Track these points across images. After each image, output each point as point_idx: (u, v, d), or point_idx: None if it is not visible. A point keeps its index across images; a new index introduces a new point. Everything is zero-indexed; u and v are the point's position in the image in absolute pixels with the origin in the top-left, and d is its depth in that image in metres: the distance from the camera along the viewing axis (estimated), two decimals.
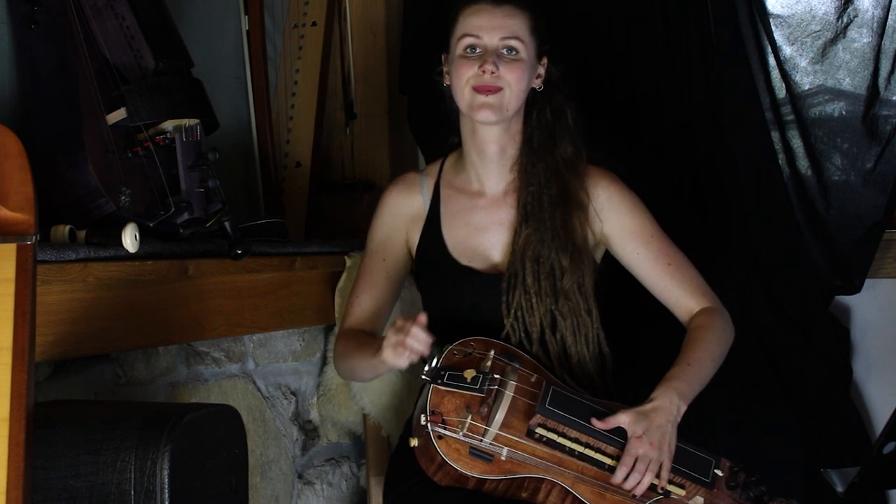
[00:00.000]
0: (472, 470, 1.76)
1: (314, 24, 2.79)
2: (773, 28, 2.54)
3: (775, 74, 2.55)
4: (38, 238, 1.29)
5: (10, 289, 1.27)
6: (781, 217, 2.51)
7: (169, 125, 2.04)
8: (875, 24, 2.47)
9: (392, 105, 2.87)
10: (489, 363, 1.84)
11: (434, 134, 2.72)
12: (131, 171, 1.96)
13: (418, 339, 1.74)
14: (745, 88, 2.52)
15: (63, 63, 1.95)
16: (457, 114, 2.04)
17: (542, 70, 2.03)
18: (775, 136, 2.54)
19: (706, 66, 2.53)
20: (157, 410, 1.60)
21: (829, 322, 2.52)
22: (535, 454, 1.78)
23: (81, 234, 1.82)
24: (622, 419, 1.79)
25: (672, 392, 1.83)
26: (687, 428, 1.85)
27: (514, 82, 1.94)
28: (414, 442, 1.80)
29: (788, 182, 2.53)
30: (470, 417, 1.77)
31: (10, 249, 1.27)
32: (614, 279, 2.07)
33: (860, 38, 2.50)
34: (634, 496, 1.80)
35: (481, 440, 1.77)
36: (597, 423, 1.80)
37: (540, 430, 1.78)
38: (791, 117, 2.55)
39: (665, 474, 1.79)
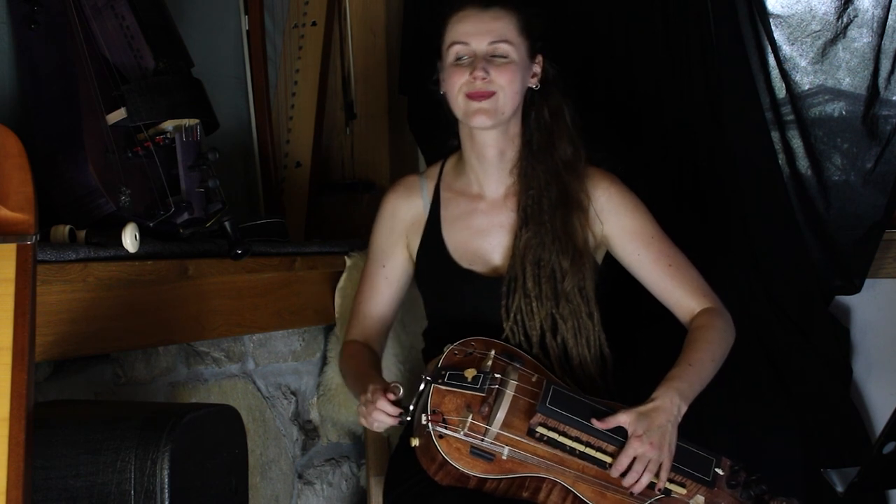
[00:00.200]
0: (473, 469, 1.76)
1: (314, 24, 2.79)
2: (773, 28, 2.54)
3: (775, 74, 2.55)
4: (38, 238, 1.29)
5: (10, 289, 1.27)
6: (781, 217, 2.51)
7: (169, 125, 2.04)
8: (875, 24, 2.47)
9: (392, 105, 2.87)
10: (490, 363, 1.84)
11: (434, 134, 2.73)
12: (131, 171, 1.96)
13: (385, 412, 1.80)
14: (745, 88, 2.52)
15: (63, 63, 1.95)
16: (455, 118, 2.03)
17: (537, 69, 2.02)
18: (775, 136, 2.54)
19: (706, 66, 2.53)
20: (157, 410, 1.60)
21: (829, 322, 2.52)
22: (536, 453, 1.78)
23: (81, 234, 1.82)
24: (623, 419, 1.79)
25: (673, 392, 1.83)
26: (688, 427, 1.85)
27: (507, 85, 1.93)
28: (415, 441, 1.80)
29: (788, 182, 2.53)
30: (471, 417, 1.77)
31: (10, 249, 1.27)
32: (615, 280, 2.07)
33: (860, 37, 2.50)
34: (632, 494, 1.80)
35: (482, 439, 1.77)
36: (597, 423, 1.80)
37: (541, 430, 1.78)
38: (791, 117, 2.54)
39: (664, 474, 1.79)
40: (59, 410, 1.69)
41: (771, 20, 2.54)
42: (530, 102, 2.03)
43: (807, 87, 2.55)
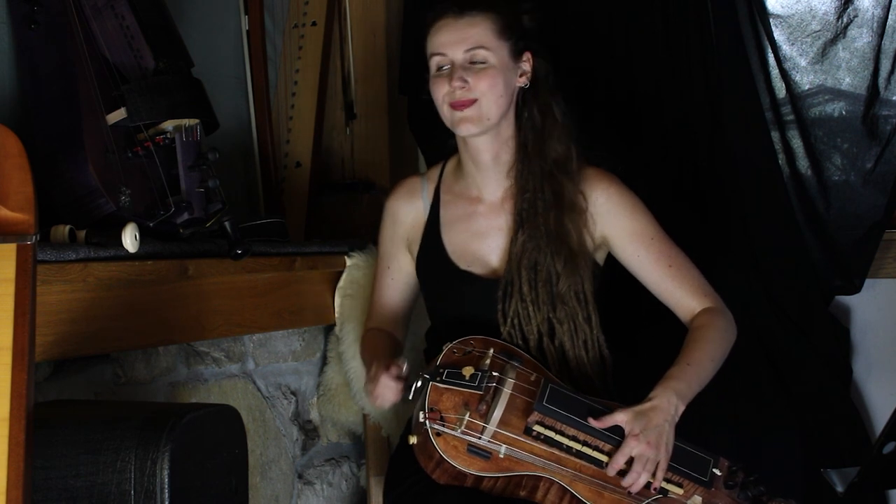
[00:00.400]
0: (469, 467, 1.76)
1: (314, 24, 2.79)
2: (773, 28, 2.54)
3: (775, 74, 2.55)
4: (38, 238, 1.30)
5: (10, 289, 1.27)
6: (781, 217, 2.51)
7: (169, 125, 2.04)
8: (875, 24, 2.47)
9: (392, 105, 2.87)
10: (488, 361, 1.85)
11: (434, 134, 2.73)
12: (131, 171, 1.96)
13: (388, 388, 1.84)
14: (745, 88, 2.52)
15: (63, 63, 1.95)
16: None
17: (526, 67, 2.00)
18: (775, 136, 2.54)
19: (706, 66, 2.53)
20: (157, 410, 1.60)
21: (829, 322, 2.52)
22: (533, 452, 1.79)
23: (81, 234, 1.82)
24: (620, 418, 1.79)
25: (670, 392, 1.83)
26: (686, 427, 1.85)
27: (488, 90, 1.93)
28: (413, 439, 1.81)
29: (788, 182, 2.53)
30: (468, 415, 1.78)
31: (10, 249, 1.27)
32: (615, 281, 2.07)
33: (860, 37, 2.50)
34: (630, 493, 1.80)
35: (479, 437, 1.77)
36: (594, 422, 1.80)
37: (538, 428, 1.78)
38: (791, 117, 2.54)
39: (661, 474, 1.79)
40: (59, 410, 1.69)
41: (771, 20, 2.54)
42: (523, 102, 2.02)
43: (807, 87, 2.55)
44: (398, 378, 1.85)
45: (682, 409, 1.83)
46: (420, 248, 2.11)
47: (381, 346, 2.07)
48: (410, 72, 2.76)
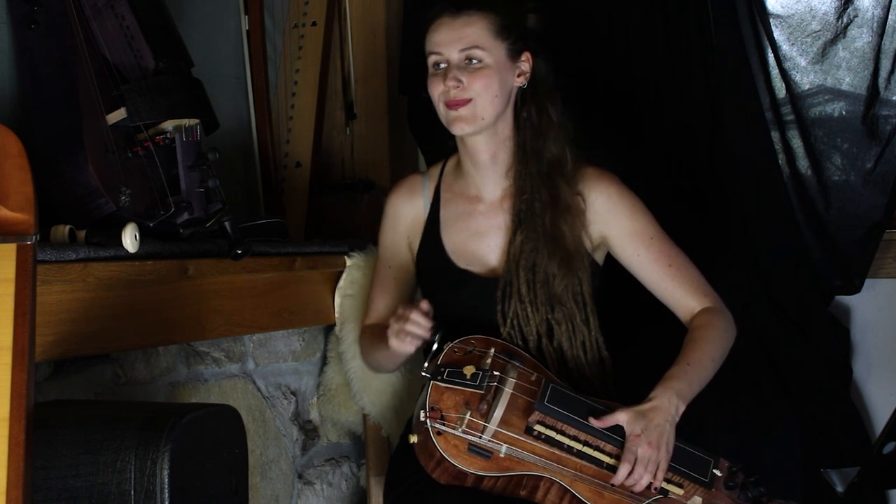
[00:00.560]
0: (470, 466, 1.76)
1: (314, 24, 2.79)
2: (773, 28, 2.54)
3: (775, 74, 2.55)
4: (38, 238, 1.29)
5: (10, 289, 1.27)
6: (781, 217, 2.51)
7: (169, 125, 2.04)
8: (875, 24, 2.47)
9: (392, 105, 2.87)
10: (489, 360, 1.85)
11: (434, 134, 2.72)
12: (131, 171, 1.96)
13: (418, 324, 1.82)
14: (745, 88, 2.52)
15: (63, 63, 1.95)
16: None
17: (525, 66, 2.00)
18: (775, 136, 2.54)
19: (706, 66, 2.53)
20: (157, 410, 1.60)
21: (829, 322, 2.52)
22: (533, 451, 1.79)
23: (81, 234, 1.82)
24: (620, 418, 1.79)
25: (671, 392, 1.83)
26: (687, 427, 1.85)
27: (483, 90, 1.93)
28: (413, 438, 1.81)
29: (788, 182, 2.53)
30: (469, 414, 1.78)
31: (10, 249, 1.27)
32: (614, 281, 2.07)
33: (860, 37, 2.50)
34: (630, 494, 1.80)
35: (480, 437, 1.77)
36: (595, 422, 1.80)
37: (538, 427, 1.78)
38: (791, 117, 2.55)
39: (661, 474, 1.79)
40: (59, 410, 1.69)
41: (771, 20, 2.54)
42: (522, 102, 2.02)
43: (807, 87, 2.55)
44: (428, 315, 1.83)
45: (682, 408, 1.83)
46: (420, 246, 2.11)
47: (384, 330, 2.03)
48: (410, 72, 2.76)
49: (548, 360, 1.96)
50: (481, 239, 2.05)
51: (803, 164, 2.54)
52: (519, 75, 2.00)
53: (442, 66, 1.95)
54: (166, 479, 1.47)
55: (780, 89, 2.55)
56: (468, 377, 1.81)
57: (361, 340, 2.18)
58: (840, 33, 2.52)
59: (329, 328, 2.58)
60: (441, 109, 1.96)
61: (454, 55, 1.94)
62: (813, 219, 2.52)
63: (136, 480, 1.47)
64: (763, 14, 2.53)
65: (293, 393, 2.51)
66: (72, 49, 1.95)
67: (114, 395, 1.98)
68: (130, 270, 1.84)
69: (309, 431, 2.57)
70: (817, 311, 2.51)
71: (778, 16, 2.56)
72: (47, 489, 1.49)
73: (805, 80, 2.55)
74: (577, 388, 1.92)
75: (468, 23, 1.94)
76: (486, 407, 1.79)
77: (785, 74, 2.54)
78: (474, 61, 1.94)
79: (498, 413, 1.79)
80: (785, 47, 2.55)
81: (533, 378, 1.86)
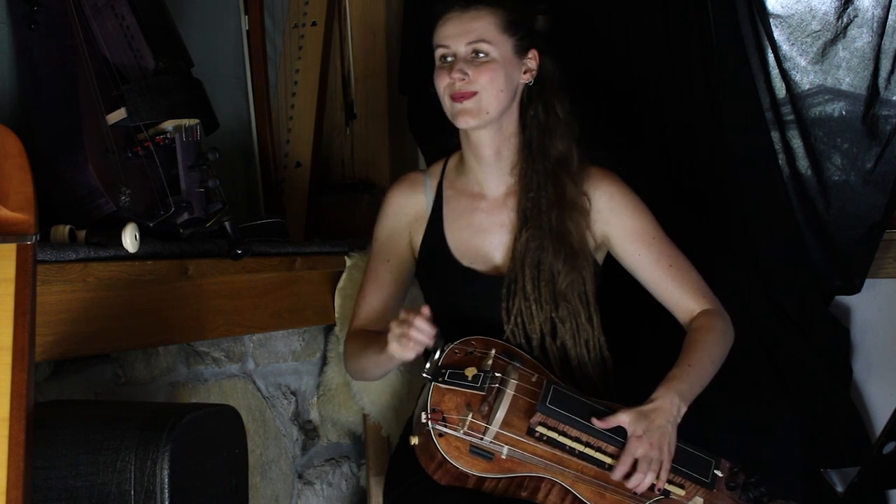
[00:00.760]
0: (472, 468, 1.76)
1: (314, 24, 2.79)
2: (773, 28, 2.54)
3: (775, 74, 2.55)
4: (38, 238, 1.30)
5: (10, 289, 1.27)
6: (781, 217, 2.51)
7: (169, 125, 2.04)
8: (875, 24, 2.47)
9: (392, 105, 2.87)
10: (490, 362, 1.85)
11: (434, 134, 2.72)
12: (131, 171, 1.96)
13: (422, 331, 1.77)
14: (745, 88, 2.52)
15: (63, 63, 1.95)
16: None
17: (531, 64, 2.01)
18: (775, 136, 2.54)
19: (706, 66, 2.53)
20: (157, 410, 1.60)
21: (829, 322, 2.52)
22: (535, 453, 1.78)
23: (81, 234, 1.82)
24: (622, 419, 1.79)
25: (673, 393, 1.83)
26: (687, 428, 1.85)
27: (488, 84, 1.93)
28: (414, 440, 1.80)
29: (788, 182, 2.53)
30: (471, 415, 1.77)
31: (10, 249, 1.27)
32: (615, 281, 2.07)
33: (860, 37, 2.50)
34: (632, 495, 1.80)
35: (482, 438, 1.77)
36: (597, 423, 1.80)
37: (540, 429, 1.78)
38: (791, 117, 2.54)
39: (664, 475, 1.79)
40: (59, 410, 1.69)
41: (771, 20, 2.54)
42: (528, 100, 2.02)
43: (807, 87, 2.55)
44: (431, 321, 1.79)
45: (684, 409, 1.83)
46: (422, 243, 2.10)
47: (374, 336, 1.98)
48: (410, 72, 2.76)
49: (551, 359, 1.96)
50: (484, 236, 2.05)
51: (803, 164, 2.54)
52: (525, 72, 2.00)
53: (449, 59, 1.96)
54: (166, 479, 1.47)
55: (780, 89, 2.55)
56: (469, 379, 1.81)
57: (348, 344, 2.11)
58: (840, 33, 2.52)
59: (329, 328, 2.58)
60: (446, 102, 1.97)
61: (461, 48, 1.94)
62: (813, 219, 2.52)
63: (136, 480, 1.47)
64: (763, 14, 2.53)
65: (293, 393, 2.51)
66: (72, 49, 1.95)
67: (114, 395, 1.98)
68: (130, 270, 1.84)
69: (309, 431, 2.57)
70: (817, 311, 2.51)
71: (778, 16, 2.56)
72: (47, 489, 1.49)
73: (805, 80, 2.55)
74: (578, 387, 1.92)
75: (476, 17, 1.95)
76: (487, 408, 1.78)
77: (785, 74, 2.54)
78: (481, 55, 1.94)
79: (499, 415, 1.79)
80: (785, 47, 2.55)
81: (534, 379, 1.86)
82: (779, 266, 2.52)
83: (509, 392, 1.82)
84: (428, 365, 1.83)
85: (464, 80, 1.93)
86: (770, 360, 2.50)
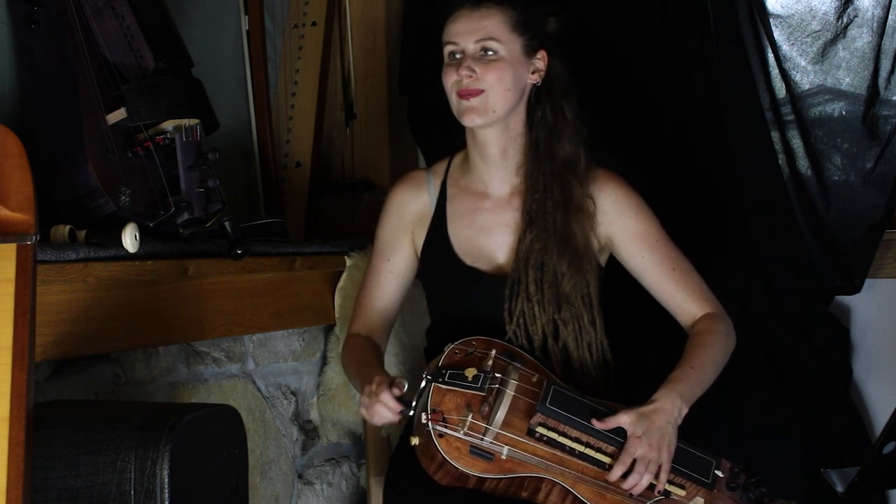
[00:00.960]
0: (472, 469, 1.76)
1: (314, 24, 2.79)
2: (773, 28, 2.54)
3: (775, 74, 2.55)
4: (38, 238, 1.30)
5: (10, 289, 1.27)
6: (781, 217, 2.51)
7: (169, 125, 2.04)
8: (875, 24, 2.47)
9: (392, 105, 2.87)
10: (490, 362, 1.84)
11: (434, 134, 2.72)
12: (131, 171, 1.96)
13: (387, 407, 1.79)
14: (745, 88, 2.52)
15: (63, 63, 1.95)
16: None
17: (540, 64, 2.01)
18: (775, 136, 2.54)
19: (706, 66, 2.53)
20: (157, 410, 1.61)
21: (829, 322, 2.52)
22: (535, 453, 1.78)
23: (81, 234, 1.82)
24: (623, 419, 1.79)
25: (674, 394, 1.83)
26: (688, 427, 1.85)
27: (495, 82, 1.93)
28: (415, 440, 1.80)
29: (788, 182, 2.53)
30: (471, 416, 1.77)
31: (10, 249, 1.27)
32: (616, 282, 2.07)
33: (860, 37, 2.50)
34: (632, 495, 1.80)
35: (482, 439, 1.77)
36: (597, 423, 1.80)
37: (540, 429, 1.78)
38: (791, 117, 2.54)
39: (664, 476, 1.79)
40: (59, 410, 1.69)
41: (771, 20, 2.54)
42: (537, 100, 2.02)
43: (807, 87, 2.55)
44: (399, 400, 1.80)
45: (685, 411, 1.83)
46: (425, 242, 2.10)
47: (370, 358, 2.02)
48: (410, 72, 2.76)
49: (553, 361, 1.95)
50: (488, 236, 2.05)
51: (803, 164, 2.54)
52: (533, 72, 2.00)
53: (457, 56, 1.96)
54: (166, 479, 1.47)
55: (780, 89, 2.55)
56: (470, 379, 1.81)
57: (345, 352, 2.12)
58: (840, 33, 2.52)
59: (329, 328, 2.58)
60: (453, 99, 1.97)
61: (470, 46, 1.95)
62: (813, 219, 2.52)
63: (136, 480, 1.47)
64: (763, 14, 2.53)
65: (293, 393, 2.51)
66: (72, 49, 1.95)
67: (114, 395, 1.98)
68: (130, 270, 1.84)
69: (309, 431, 2.57)
70: (817, 311, 2.51)
71: (778, 16, 2.56)
72: (47, 489, 1.49)
73: (805, 80, 2.55)
74: (580, 389, 1.92)
75: (486, 15, 1.95)
76: (487, 409, 1.78)
77: (785, 74, 2.53)
78: (489, 53, 1.94)
79: (500, 415, 1.79)
80: (785, 47, 2.55)
81: (534, 379, 1.86)
82: (779, 266, 2.52)
83: (509, 392, 1.82)
84: (428, 366, 1.83)
85: (471, 77, 1.93)
86: (770, 360, 2.50)
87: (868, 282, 2.52)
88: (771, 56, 2.54)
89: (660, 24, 2.57)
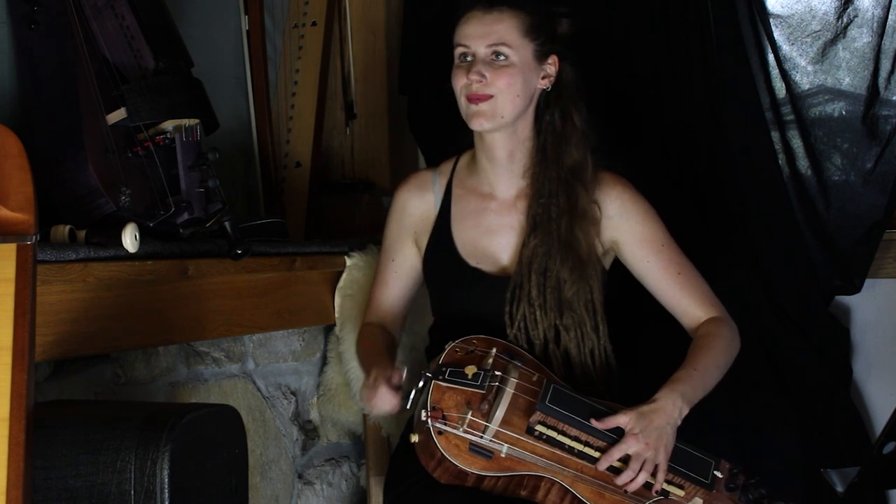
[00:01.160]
0: (471, 466, 1.76)
1: (314, 24, 2.79)
2: (773, 28, 2.54)
3: (775, 74, 2.55)
4: (38, 238, 1.29)
5: (10, 289, 1.27)
6: (781, 217, 2.51)
7: (169, 125, 2.04)
8: (875, 24, 2.47)
9: (392, 105, 2.87)
10: (491, 360, 1.85)
11: (434, 134, 2.72)
12: (131, 171, 1.96)
13: (385, 401, 1.82)
14: (745, 88, 2.52)
15: (63, 63, 1.95)
16: None
17: (550, 70, 2.00)
18: (775, 136, 2.54)
19: (706, 66, 2.53)
20: (157, 410, 1.60)
21: (829, 322, 2.52)
22: (534, 452, 1.79)
23: (81, 234, 1.82)
24: (622, 420, 1.79)
25: (676, 395, 1.83)
26: (687, 428, 1.85)
27: (505, 88, 1.93)
28: (414, 438, 1.81)
29: (788, 182, 2.53)
30: (470, 414, 1.78)
31: (10, 249, 1.27)
32: (619, 286, 2.07)
33: (860, 37, 2.50)
34: (626, 492, 1.80)
35: (481, 436, 1.77)
36: (596, 423, 1.80)
37: (540, 428, 1.78)
38: (791, 117, 2.54)
39: (661, 475, 1.79)
40: (59, 410, 1.69)
41: (771, 20, 2.54)
42: (546, 105, 2.02)
43: (807, 87, 2.55)
44: (398, 389, 1.83)
45: (685, 412, 1.83)
46: (429, 242, 2.10)
47: (378, 347, 2.05)
48: (410, 72, 2.76)
49: (554, 365, 1.96)
50: (492, 237, 2.05)
51: (803, 164, 2.54)
52: (543, 77, 2.00)
53: (468, 58, 1.96)
54: (166, 479, 1.47)
55: (780, 89, 2.55)
56: (470, 377, 1.81)
57: (359, 343, 2.17)
58: (840, 33, 2.52)
59: (329, 328, 2.58)
60: (462, 103, 1.96)
61: (481, 49, 1.94)
62: (813, 219, 2.52)
63: (136, 480, 1.47)
64: (763, 14, 2.53)
65: (293, 393, 2.51)
66: (72, 49, 1.95)
67: (114, 395, 1.98)
68: (130, 270, 1.84)
69: (309, 431, 2.57)
70: (817, 311, 2.51)
71: (778, 16, 2.56)
72: (47, 489, 1.49)
73: (805, 80, 2.55)
74: (580, 390, 1.92)
75: (498, 19, 1.95)
76: (487, 407, 1.79)
77: (785, 74, 2.54)
78: (500, 57, 1.94)
79: (499, 413, 1.79)
80: (785, 47, 2.55)
81: (534, 378, 1.86)
82: (779, 266, 2.52)
83: (509, 391, 1.82)
84: (414, 394, 1.84)
85: (481, 82, 1.92)
86: (770, 360, 2.50)
87: (868, 282, 2.53)
88: (771, 56, 2.54)
89: (660, 25, 2.57)
